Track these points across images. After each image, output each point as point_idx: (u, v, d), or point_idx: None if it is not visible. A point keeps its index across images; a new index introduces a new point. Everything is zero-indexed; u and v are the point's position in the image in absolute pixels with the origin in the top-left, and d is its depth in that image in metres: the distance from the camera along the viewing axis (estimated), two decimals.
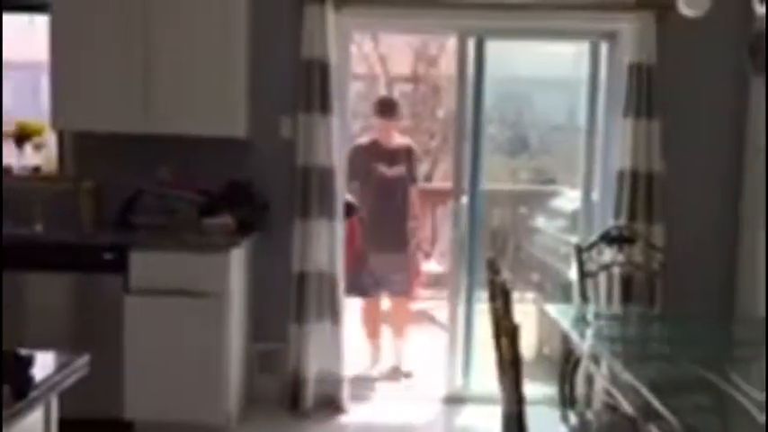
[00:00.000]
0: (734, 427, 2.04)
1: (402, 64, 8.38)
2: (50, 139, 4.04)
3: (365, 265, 4.54)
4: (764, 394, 2.03)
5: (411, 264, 4.66)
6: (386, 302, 4.85)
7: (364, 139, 4.73)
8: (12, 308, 3.33)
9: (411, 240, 4.60)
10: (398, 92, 8.38)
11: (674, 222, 3.79)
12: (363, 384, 4.26)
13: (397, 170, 4.53)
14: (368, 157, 4.52)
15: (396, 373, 4.58)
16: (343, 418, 3.82)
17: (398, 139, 4.66)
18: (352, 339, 4.37)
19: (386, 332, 4.80)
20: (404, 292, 4.71)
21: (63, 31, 3.60)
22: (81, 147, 3.95)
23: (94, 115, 3.62)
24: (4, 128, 4.08)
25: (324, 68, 3.73)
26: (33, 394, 1.48)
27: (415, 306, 5.20)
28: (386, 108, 4.63)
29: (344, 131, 3.97)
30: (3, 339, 1.62)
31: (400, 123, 4.77)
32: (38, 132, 4.01)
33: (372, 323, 4.73)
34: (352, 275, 4.41)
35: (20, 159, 4.03)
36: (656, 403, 1.97)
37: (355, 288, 4.52)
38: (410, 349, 4.78)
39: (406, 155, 4.59)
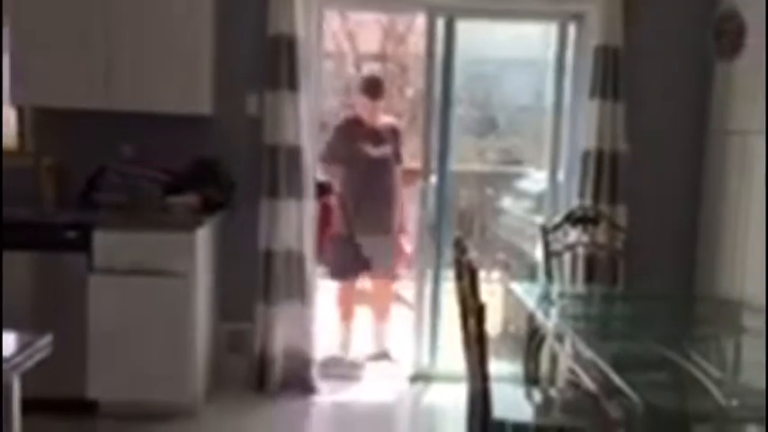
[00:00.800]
0: (693, 403, 2.09)
1: (370, 42, 8.33)
2: (10, 114, 3.94)
3: (345, 247, 4.40)
4: (724, 373, 2.09)
5: (396, 245, 4.56)
6: (366, 284, 4.79)
7: (346, 117, 4.58)
8: None
9: (396, 222, 4.50)
10: (366, 70, 8.34)
11: (637, 203, 3.85)
12: (334, 365, 4.25)
13: (383, 150, 4.38)
14: (352, 136, 4.35)
15: (384, 357, 4.50)
16: (311, 398, 3.83)
17: (383, 119, 4.51)
18: (327, 320, 4.35)
19: (366, 315, 4.71)
20: (389, 274, 4.63)
21: (23, 5, 3.50)
22: (41, 123, 3.86)
23: (55, 90, 3.54)
24: None
25: (291, 44, 3.69)
26: None
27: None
28: (373, 88, 4.42)
29: (315, 110, 3.93)
30: None
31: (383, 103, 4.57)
32: None
33: (347, 304, 4.60)
34: (332, 259, 4.39)
35: None
36: (616, 380, 2.01)
37: (336, 272, 4.48)
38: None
39: (392, 134, 4.46)
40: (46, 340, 1.67)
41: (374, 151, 4.37)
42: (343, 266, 4.47)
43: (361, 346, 4.58)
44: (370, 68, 8.18)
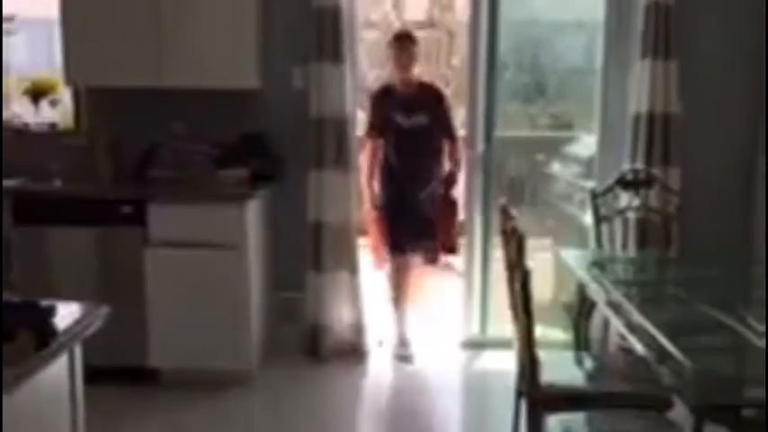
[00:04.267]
0: (747, 367, 2.06)
1: (416, 10, 8.24)
2: (66, 95, 4.06)
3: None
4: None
5: (440, 227, 4.03)
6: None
7: (376, 85, 4.29)
8: (33, 262, 3.41)
9: (438, 202, 4.01)
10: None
11: (691, 165, 3.75)
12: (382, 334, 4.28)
13: (416, 120, 3.90)
14: (383, 105, 3.96)
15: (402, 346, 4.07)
16: (362, 365, 3.89)
17: (420, 82, 4.00)
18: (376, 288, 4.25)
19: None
20: (431, 259, 4.17)
21: None
22: (96, 102, 3.97)
23: (107, 70, 3.62)
24: (21, 85, 4.10)
25: (335, 15, 3.69)
26: (56, 343, 1.53)
27: None
28: (399, 40, 3.91)
29: (358, 80, 3.92)
30: (25, 292, 1.66)
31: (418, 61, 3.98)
32: (52, 88, 4.02)
33: (398, 284, 4.13)
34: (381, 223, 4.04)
35: (36, 116, 4.06)
36: (668, 345, 1.99)
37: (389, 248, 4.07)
38: (427, 297, 4.79)
39: (433, 101, 3.95)
40: (104, 310, 1.75)
41: (406, 121, 3.92)
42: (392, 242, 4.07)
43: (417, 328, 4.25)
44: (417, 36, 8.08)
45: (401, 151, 3.96)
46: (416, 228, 4.02)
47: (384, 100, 3.99)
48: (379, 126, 3.99)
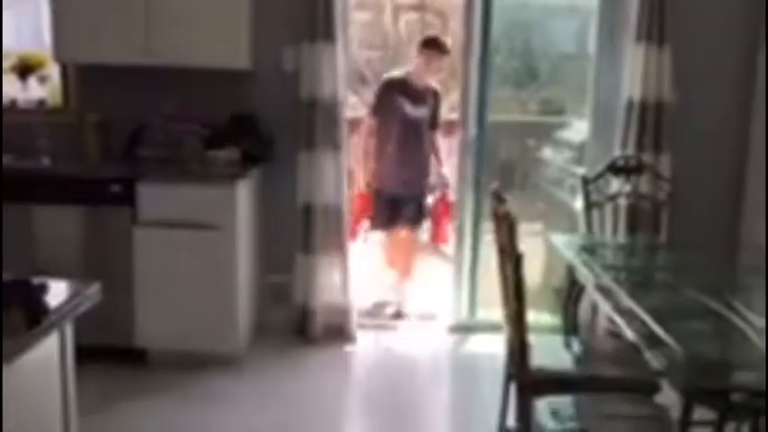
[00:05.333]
0: (735, 352, 2.07)
1: None
2: (54, 72, 4.01)
3: (381, 200, 4.41)
4: (765, 320, 2.06)
5: (435, 210, 4.64)
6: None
7: (397, 73, 4.49)
8: (21, 240, 3.38)
9: (429, 184, 4.52)
10: (404, 21, 8.22)
11: (682, 152, 3.76)
12: (374, 314, 4.33)
13: (421, 112, 4.36)
14: (395, 91, 4.32)
15: (399, 316, 4.41)
16: (351, 347, 3.90)
17: (430, 81, 4.45)
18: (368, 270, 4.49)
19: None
20: (417, 224, 4.61)
21: None
22: (85, 79, 3.92)
23: (96, 47, 3.58)
24: (7, 61, 4.04)
25: None
26: (47, 321, 1.52)
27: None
28: (432, 46, 4.33)
29: (349, 62, 3.90)
30: (14, 271, 1.64)
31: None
32: (41, 65, 3.97)
33: (393, 255, 4.63)
34: (372, 211, 4.44)
35: (24, 92, 4.01)
36: (658, 330, 2.00)
37: (376, 224, 4.50)
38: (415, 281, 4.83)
39: (432, 97, 4.41)
40: (95, 288, 1.73)
41: (412, 111, 4.33)
42: (380, 218, 4.45)
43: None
44: (406, 19, 8.06)
45: (405, 137, 4.34)
46: (411, 210, 4.47)
47: (397, 87, 4.35)
48: (385, 109, 4.32)
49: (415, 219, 4.54)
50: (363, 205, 4.44)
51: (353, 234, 4.34)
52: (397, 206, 4.43)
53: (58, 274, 1.85)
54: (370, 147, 4.37)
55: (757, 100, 3.77)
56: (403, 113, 4.32)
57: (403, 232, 4.55)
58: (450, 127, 4.54)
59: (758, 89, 3.76)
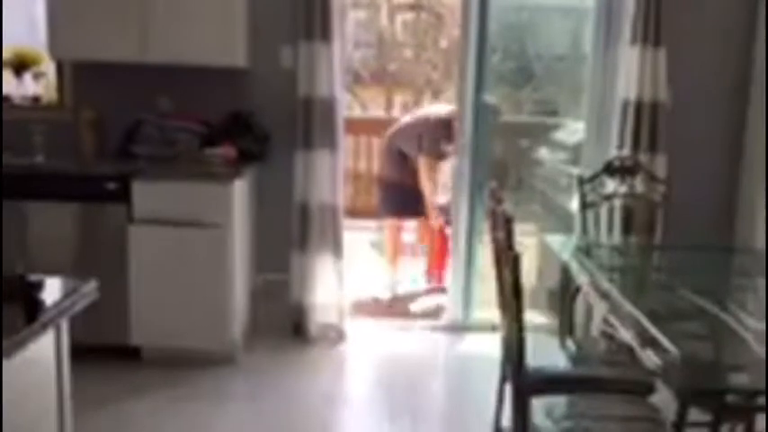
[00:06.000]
0: (729, 353, 2.08)
1: None
2: (50, 68, 3.99)
3: (393, 189, 4.77)
4: (762, 323, 2.07)
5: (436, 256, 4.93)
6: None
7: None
8: (16, 237, 3.36)
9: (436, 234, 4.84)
10: (400, 20, 8.21)
11: (677, 153, 3.77)
12: (370, 309, 4.41)
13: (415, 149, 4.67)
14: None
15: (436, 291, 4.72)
16: (346, 346, 3.90)
17: (440, 112, 4.68)
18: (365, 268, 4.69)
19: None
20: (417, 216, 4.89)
21: None
22: (80, 77, 3.90)
23: (92, 44, 3.56)
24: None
25: None
26: (43, 318, 1.51)
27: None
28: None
29: (344, 61, 3.91)
30: (10, 267, 1.64)
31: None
32: (36, 61, 3.95)
33: (395, 249, 4.93)
34: (383, 198, 4.86)
35: (19, 89, 3.99)
36: (653, 330, 2.01)
37: (386, 211, 4.88)
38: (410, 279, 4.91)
39: (442, 128, 4.53)
40: (92, 285, 1.72)
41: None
42: (393, 205, 4.81)
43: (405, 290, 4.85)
44: (403, 19, 8.06)
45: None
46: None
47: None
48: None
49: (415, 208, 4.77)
50: (441, 245, 4.72)
51: (438, 278, 4.77)
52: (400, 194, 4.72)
53: (53, 271, 1.85)
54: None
55: (752, 102, 3.78)
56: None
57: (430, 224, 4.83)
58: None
59: (753, 91, 3.78)
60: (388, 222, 4.96)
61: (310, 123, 3.75)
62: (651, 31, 3.64)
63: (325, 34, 3.68)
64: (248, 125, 3.80)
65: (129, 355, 3.51)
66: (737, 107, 3.83)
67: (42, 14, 3.61)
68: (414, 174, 4.64)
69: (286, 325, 3.92)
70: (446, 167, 4.75)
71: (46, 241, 3.43)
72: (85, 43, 3.56)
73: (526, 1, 5.06)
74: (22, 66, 3.94)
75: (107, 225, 3.45)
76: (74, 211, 3.45)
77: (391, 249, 4.92)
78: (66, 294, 1.64)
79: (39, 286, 1.57)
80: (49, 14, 3.55)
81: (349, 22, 3.93)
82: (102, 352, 3.42)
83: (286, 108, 3.79)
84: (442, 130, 4.47)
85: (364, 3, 7.62)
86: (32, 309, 1.49)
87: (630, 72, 3.71)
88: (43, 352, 1.61)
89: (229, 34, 3.61)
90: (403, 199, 4.75)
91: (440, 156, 4.61)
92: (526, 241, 4.33)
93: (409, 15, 8.08)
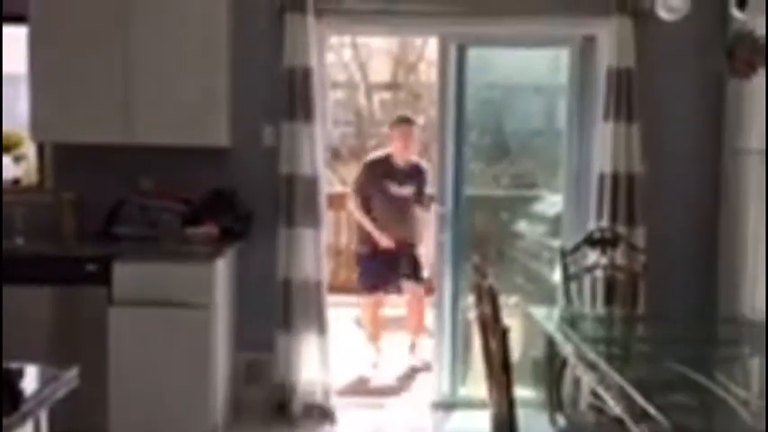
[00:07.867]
0: (721, 424, 2.07)
1: (381, 72, 8.41)
2: (30, 150, 4.00)
3: (377, 260, 4.74)
4: (752, 393, 2.06)
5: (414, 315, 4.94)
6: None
7: (379, 154, 4.93)
8: None
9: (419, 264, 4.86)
10: (378, 99, 8.41)
11: (656, 224, 3.83)
12: (356, 390, 4.32)
13: (406, 190, 4.74)
14: (379, 173, 4.72)
15: (424, 369, 4.64)
16: (331, 427, 3.81)
17: (412, 158, 4.83)
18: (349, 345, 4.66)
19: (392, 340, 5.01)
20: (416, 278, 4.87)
21: (41, 42, 3.57)
22: (61, 158, 3.91)
23: (74, 126, 3.59)
24: None
25: (306, 75, 3.74)
26: (24, 408, 1.47)
27: (397, 312, 5.24)
28: (402, 118, 4.88)
29: (325, 139, 3.98)
30: None
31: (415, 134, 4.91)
32: (17, 144, 3.97)
33: (375, 324, 4.89)
34: (363, 270, 4.79)
35: None
36: (643, 403, 1.99)
37: (367, 284, 4.82)
38: (396, 356, 4.84)
39: (417, 174, 4.77)
40: (72, 373, 1.69)
41: (398, 190, 4.73)
42: (375, 278, 4.79)
43: (390, 367, 4.78)
44: (381, 98, 8.25)
45: (390, 215, 4.73)
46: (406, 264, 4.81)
47: (381, 169, 4.74)
48: (371, 191, 4.74)
49: (414, 272, 4.82)
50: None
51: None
52: (392, 263, 4.72)
53: (32, 356, 1.80)
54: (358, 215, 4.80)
55: (725, 173, 3.88)
56: (389, 193, 4.71)
57: (409, 292, 4.86)
58: (428, 201, 4.73)
59: (725, 162, 3.88)
60: (363, 300, 4.96)
61: (293, 201, 3.77)
62: (624, 108, 3.75)
63: (307, 114, 3.75)
64: (231, 203, 3.81)
65: None
66: (712, 178, 3.90)
67: (22, 96, 3.63)
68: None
69: (270, 405, 3.82)
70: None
71: (25, 326, 3.34)
72: (68, 126, 3.60)
73: (501, 80, 5.22)
74: (2, 149, 3.95)
75: (87, 307, 3.39)
76: (53, 295, 3.40)
77: (370, 326, 4.90)
78: (47, 383, 1.60)
79: (19, 374, 1.53)
80: (32, 97, 3.59)
81: (329, 101, 4.03)
82: None
83: (268, 186, 3.82)
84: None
85: (343, 83, 7.81)
86: (12, 399, 1.44)
87: (605, 147, 3.80)
88: None
89: (212, 114, 3.66)
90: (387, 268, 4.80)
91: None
92: (509, 313, 4.32)
93: (387, 94, 8.29)
